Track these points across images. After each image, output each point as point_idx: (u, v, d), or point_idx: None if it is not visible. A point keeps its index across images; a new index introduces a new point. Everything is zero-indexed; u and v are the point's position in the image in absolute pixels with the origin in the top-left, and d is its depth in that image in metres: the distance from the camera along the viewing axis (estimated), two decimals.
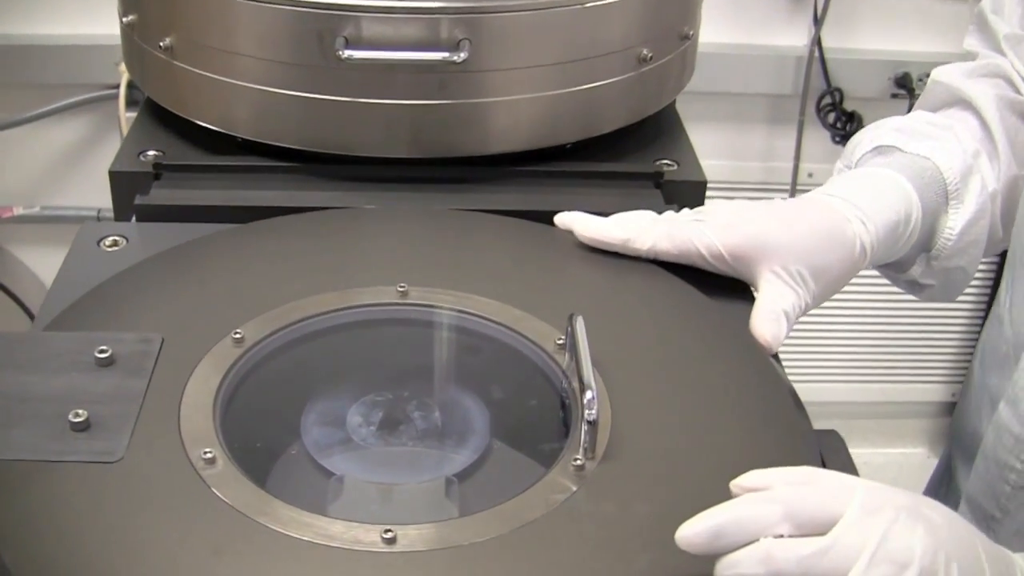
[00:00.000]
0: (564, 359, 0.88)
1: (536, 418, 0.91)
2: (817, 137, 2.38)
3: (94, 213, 2.25)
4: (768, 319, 0.94)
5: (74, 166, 2.30)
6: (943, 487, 1.29)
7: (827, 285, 0.98)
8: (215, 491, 0.74)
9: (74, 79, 2.16)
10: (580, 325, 0.85)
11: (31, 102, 2.16)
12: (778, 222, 0.97)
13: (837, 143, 2.35)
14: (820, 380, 2.64)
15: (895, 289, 1.16)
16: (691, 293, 0.95)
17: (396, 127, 1.12)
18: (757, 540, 0.67)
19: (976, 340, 2.60)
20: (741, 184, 2.45)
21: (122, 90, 1.98)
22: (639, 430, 0.81)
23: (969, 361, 2.63)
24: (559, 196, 1.13)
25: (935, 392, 2.75)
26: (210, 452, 0.77)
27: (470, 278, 0.95)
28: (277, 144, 1.14)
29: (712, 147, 2.36)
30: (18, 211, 2.32)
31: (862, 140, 1.10)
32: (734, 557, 0.67)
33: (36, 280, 2.37)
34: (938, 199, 1.05)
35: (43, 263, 2.38)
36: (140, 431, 0.79)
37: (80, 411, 0.79)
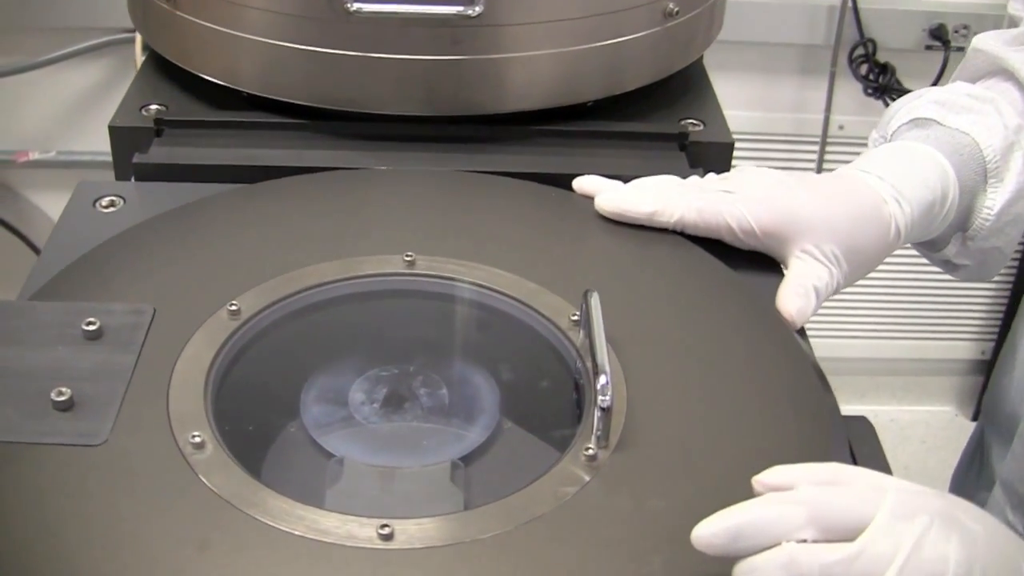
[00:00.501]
0: (579, 336, 0.83)
1: (548, 399, 0.87)
2: (849, 89, 2.33)
3: (110, 158, 2.20)
4: (796, 293, 0.89)
5: (90, 110, 2.25)
6: (975, 466, 1.24)
7: (859, 266, 0.94)
8: (202, 479, 0.70)
9: (91, 22, 2.12)
10: (596, 302, 0.80)
11: (47, 46, 2.12)
12: (814, 199, 0.93)
13: (869, 95, 2.30)
14: (848, 336, 2.60)
15: None
16: (717, 267, 0.90)
17: (408, 83, 1.06)
18: (779, 543, 0.62)
19: (1008, 294, 2.56)
20: (770, 136, 2.40)
21: (138, 34, 1.93)
22: (656, 416, 0.76)
23: (1000, 318, 2.59)
24: (578, 158, 1.08)
25: (964, 350, 2.71)
26: (199, 436, 0.72)
27: (481, 247, 0.90)
28: (284, 100, 1.08)
29: (741, 98, 2.32)
30: (34, 156, 2.28)
31: (899, 111, 1.05)
32: (754, 561, 0.62)
33: (52, 226, 2.34)
34: (976, 177, 1.00)
35: (59, 209, 2.33)
36: (126, 411, 0.74)
37: (64, 389, 0.74)
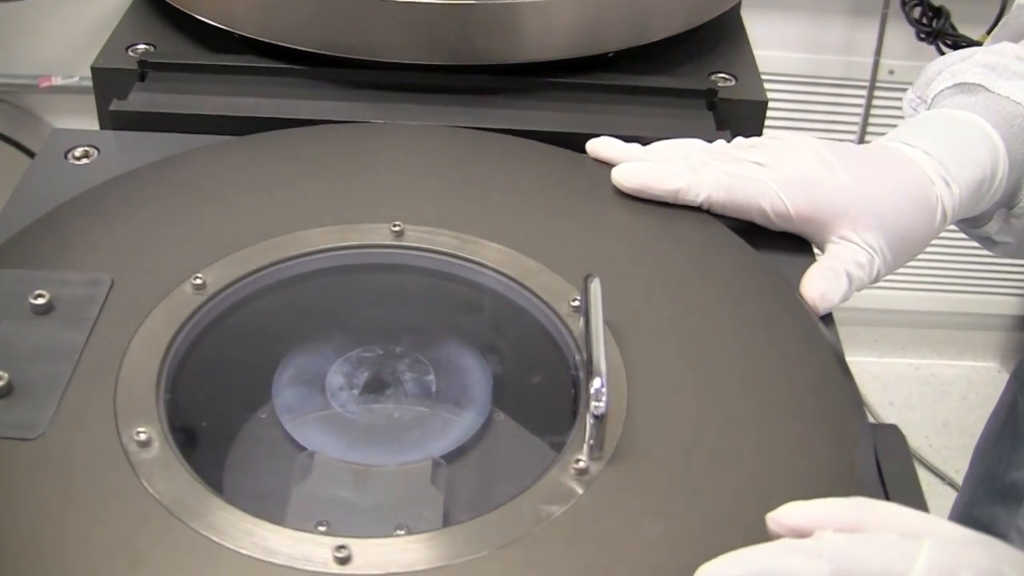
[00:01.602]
0: (578, 325, 0.74)
1: (541, 393, 0.79)
2: (900, 32, 2.22)
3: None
4: (823, 276, 0.81)
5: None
6: (1006, 436, 1.16)
7: (902, 254, 0.85)
8: (143, 482, 0.63)
9: None
10: (596, 289, 0.71)
11: None
12: (857, 183, 0.83)
13: (921, 40, 2.19)
14: (890, 288, 2.51)
15: None
16: (743, 249, 0.82)
17: (414, 29, 0.98)
18: None
19: None
20: (818, 79, 2.31)
21: None
22: (659, 422, 0.68)
23: None
24: (594, 115, 0.99)
25: (1009, 305, 2.63)
26: (144, 432, 0.65)
27: (477, 216, 0.82)
28: (280, 44, 1.00)
29: (786, 37, 2.21)
30: (56, 81, 2.21)
31: (941, 72, 0.94)
32: None
33: None
34: None
35: None
36: (69, 399, 0.67)
37: (1, 372, 0.67)
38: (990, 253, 2.39)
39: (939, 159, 0.85)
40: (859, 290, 0.83)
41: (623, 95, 1.01)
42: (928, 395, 2.60)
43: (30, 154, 2.20)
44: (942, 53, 2.09)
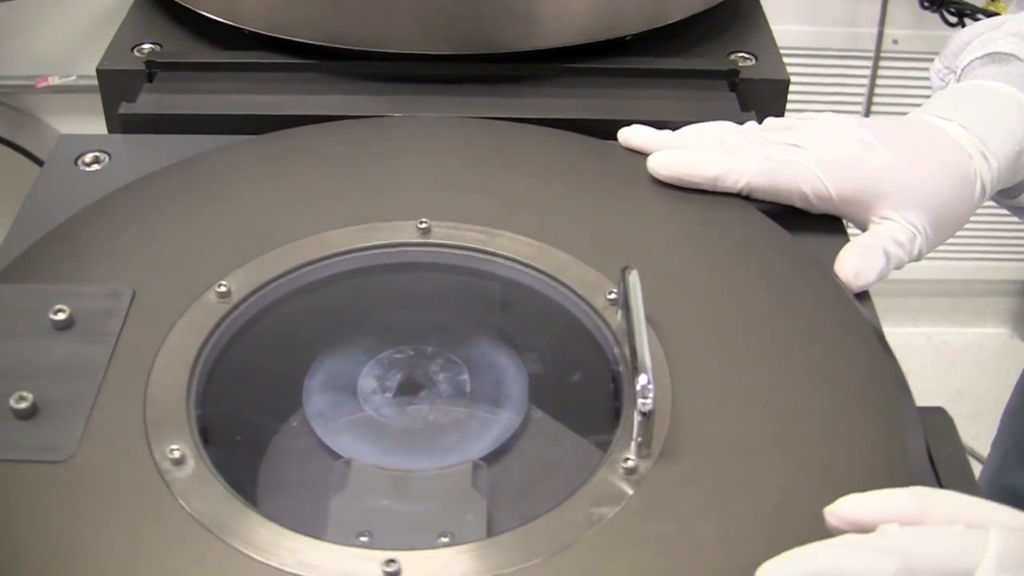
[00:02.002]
0: (616, 318, 0.72)
1: (578, 390, 0.76)
2: (903, 1, 2.19)
3: None
4: (858, 253, 0.79)
5: (111, 31, 2.15)
6: None
7: (943, 230, 0.83)
8: (180, 502, 0.60)
9: None
10: (635, 282, 0.69)
11: None
12: (898, 163, 0.81)
13: (925, 8, 2.16)
14: None
15: None
16: (778, 234, 0.79)
17: (427, 18, 0.95)
18: None
19: None
20: (820, 51, 2.28)
21: None
22: (705, 416, 0.66)
23: None
24: (616, 100, 0.96)
25: (1018, 270, 2.61)
26: (178, 449, 0.62)
27: (505, 210, 0.80)
28: (290, 38, 0.97)
29: (790, 10, 2.19)
30: (53, 81, 2.17)
31: (970, 42, 0.92)
32: None
33: None
34: None
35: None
36: (97, 418, 0.65)
37: (25, 393, 0.65)
38: (1000, 219, 2.36)
39: (976, 133, 0.83)
40: (899, 268, 0.81)
41: (643, 79, 0.99)
42: (941, 364, 2.58)
43: (28, 155, 2.17)
44: (946, 21, 2.07)
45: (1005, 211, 2.18)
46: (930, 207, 0.81)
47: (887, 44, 2.26)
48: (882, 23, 2.23)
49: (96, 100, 2.09)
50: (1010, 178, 0.86)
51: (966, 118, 0.84)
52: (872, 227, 0.81)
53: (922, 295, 2.55)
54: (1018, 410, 1.21)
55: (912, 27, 2.23)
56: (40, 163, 2.15)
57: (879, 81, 2.30)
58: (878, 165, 0.81)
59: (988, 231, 2.52)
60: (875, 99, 2.31)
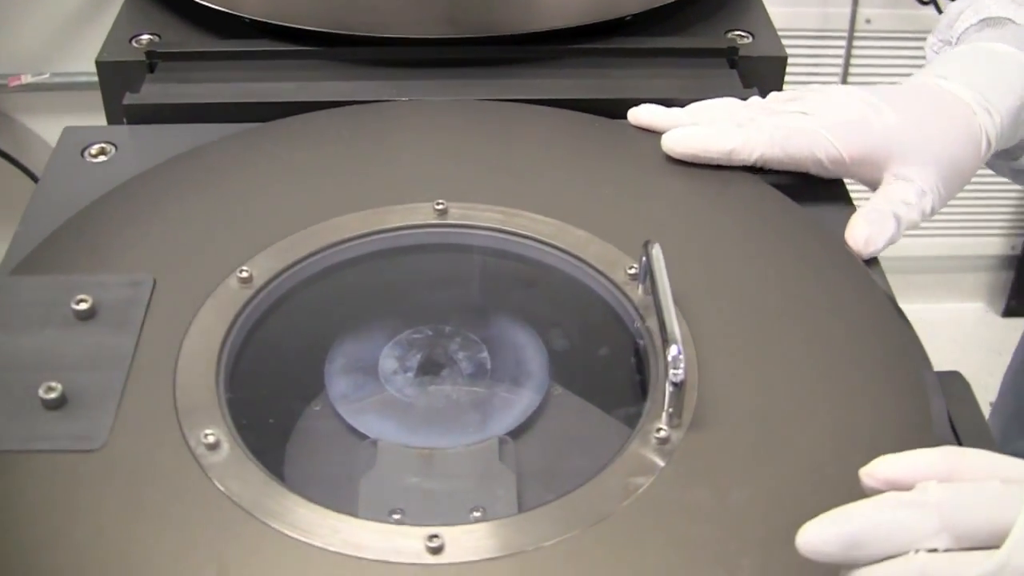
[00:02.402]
0: (637, 293, 0.72)
1: (603, 363, 0.77)
2: None
3: None
4: (867, 219, 0.80)
5: (85, 27, 2.13)
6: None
7: (953, 185, 0.84)
8: (218, 485, 0.60)
9: None
10: (658, 255, 0.69)
11: None
12: (906, 121, 0.82)
13: None
14: None
15: None
16: (789, 207, 0.80)
17: (429, 2, 0.95)
18: (903, 553, 0.53)
19: None
20: (794, 31, 2.28)
21: None
22: (731, 386, 0.67)
23: None
24: (619, 80, 0.96)
25: (994, 245, 2.62)
26: (212, 434, 0.63)
27: (520, 189, 0.80)
28: (290, 25, 0.97)
29: None
30: (26, 79, 2.15)
31: (963, 11, 0.94)
32: (876, 572, 0.53)
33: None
34: None
35: (58, 135, 2.23)
36: (127, 406, 0.65)
37: (53, 384, 0.64)
38: (973, 194, 2.37)
39: (978, 89, 0.85)
40: (912, 228, 0.82)
41: (644, 58, 0.99)
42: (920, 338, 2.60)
43: (5, 157, 2.16)
44: (920, 0, 2.08)
45: (980, 187, 2.21)
46: (939, 163, 0.82)
47: (860, 24, 2.26)
48: (855, 2, 2.23)
49: (73, 97, 2.08)
50: (1012, 135, 0.87)
51: (966, 76, 0.85)
52: (881, 190, 0.82)
53: (897, 271, 2.56)
54: (1019, 381, 1.22)
55: (885, 6, 2.23)
56: (15, 163, 2.15)
57: (853, 61, 2.30)
58: (886, 124, 0.82)
59: (962, 207, 2.54)
60: (849, 79, 2.32)
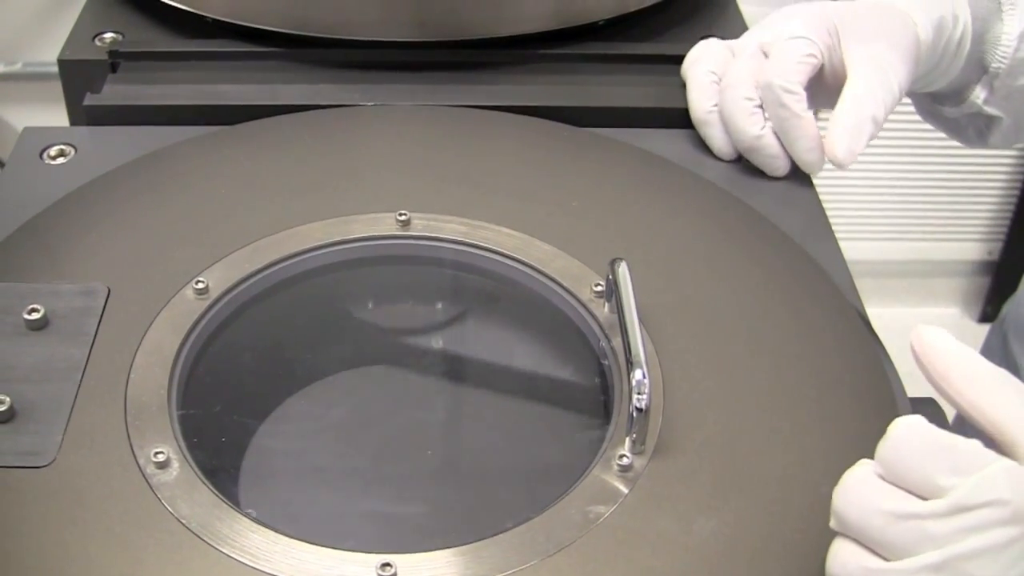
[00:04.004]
0: (603, 310, 0.71)
1: (566, 384, 0.75)
2: None
3: None
4: (846, 130, 0.81)
5: (59, 15, 2.10)
6: None
7: (906, 77, 0.85)
8: (167, 507, 0.59)
9: None
10: (625, 274, 0.68)
11: None
12: (851, 7, 0.86)
13: None
14: (850, 239, 2.49)
15: (927, 140, 1.00)
16: (759, 220, 0.79)
17: (396, 4, 0.93)
18: None
19: (1017, 193, 2.46)
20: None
21: None
22: (698, 410, 0.65)
23: (1008, 217, 2.50)
24: (589, 87, 0.94)
25: (970, 250, 2.62)
26: (163, 452, 0.61)
27: (485, 201, 0.78)
28: (254, 26, 0.95)
29: None
30: None
31: None
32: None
33: None
34: (990, 4, 0.91)
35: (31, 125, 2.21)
36: (78, 421, 0.63)
37: (2, 397, 0.63)
38: (950, 200, 2.37)
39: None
40: (889, 112, 0.84)
41: (615, 64, 0.98)
42: (893, 344, 2.59)
43: None
44: None
45: (955, 192, 2.20)
46: (888, 39, 0.84)
47: None
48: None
49: (45, 87, 2.06)
50: (938, 50, 0.89)
51: None
52: (852, 83, 0.83)
53: (872, 276, 2.56)
54: None
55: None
56: None
57: None
58: (840, 9, 0.85)
59: (937, 212, 2.54)
60: None
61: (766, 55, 0.85)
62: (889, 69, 0.83)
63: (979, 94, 0.95)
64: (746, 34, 0.89)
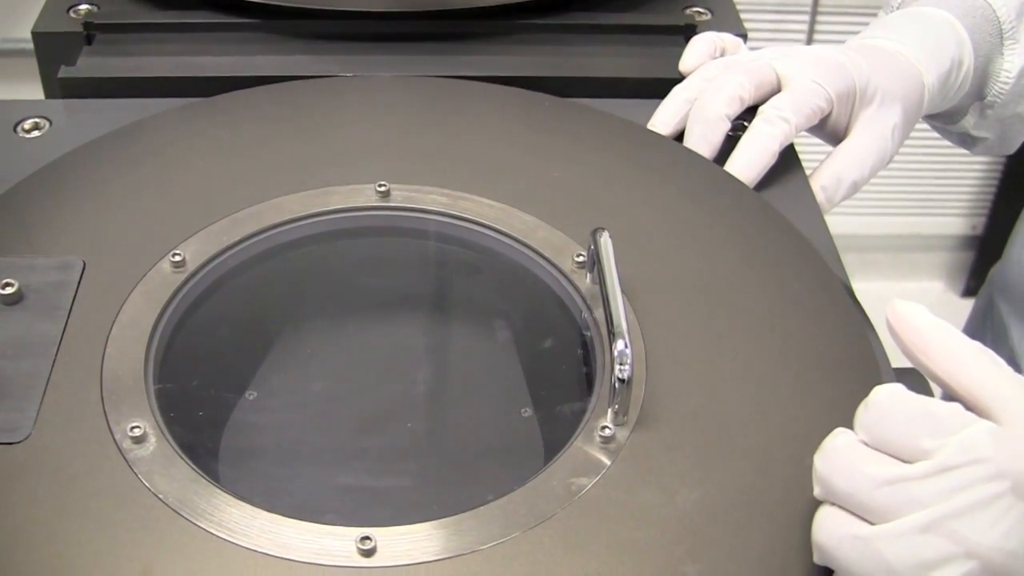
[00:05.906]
0: (584, 281, 0.70)
1: (549, 357, 0.74)
2: None
3: None
4: (825, 190, 0.85)
5: None
6: (987, 340, 1.14)
7: (907, 126, 0.88)
8: (143, 481, 0.58)
9: None
10: (607, 244, 0.67)
11: None
12: (866, 65, 0.86)
13: None
14: (833, 212, 2.47)
15: None
16: (744, 191, 0.78)
17: None
18: None
19: (1001, 168, 2.46)
20: (757, 6, 2.26)
21: None
22: (681, 381, 0.65)
23: (993, 192, 2.50)
24: (571, 57, 0.94)
25: (954, 225, 2.64)
26: (139, 426, 0.60)
27: (467, 172, 0.77)
28: None
29: None
30: None
31: None
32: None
33: None
34: (992, 40, 0.93)
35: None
36: (52, 396, 0.62)
37: None
38: (935, 175, 2.41)
39: (910, 46, 0.88)
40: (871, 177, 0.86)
41: (600, 34, 0.97)
42: (877, 318, 2.59)
43: None
44: None
45: (940, 166, 2.22)
46: (902, 99, 0.86)
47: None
48: None
49: (15, 62, 2.03)
50: (944, 92, 0.90)
51: (899, 35, 0.89)
52: (841, 151, 0.85)
53: (857, 250, 2.56)
54: None
55: None
56: None
57: (816, 36, 2.30)
58: (857, 64, 0.85)
59: (922, 187, 2.54)
60: None
61: (780, 84, 0.85)
62: (889, 136, 0.85)
63: (970, 120, 0.97)
64: (763, 53, 0.89)
